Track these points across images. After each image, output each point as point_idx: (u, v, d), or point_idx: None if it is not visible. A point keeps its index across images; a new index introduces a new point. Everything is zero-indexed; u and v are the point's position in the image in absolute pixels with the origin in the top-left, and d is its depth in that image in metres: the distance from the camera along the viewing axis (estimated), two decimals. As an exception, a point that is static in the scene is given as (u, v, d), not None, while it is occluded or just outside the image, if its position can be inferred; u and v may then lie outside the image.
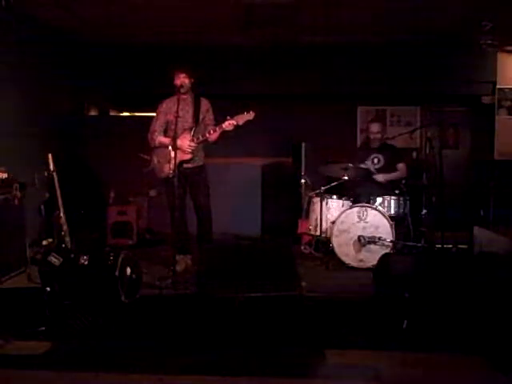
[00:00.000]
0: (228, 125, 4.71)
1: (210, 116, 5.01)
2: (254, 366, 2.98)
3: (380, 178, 5.80)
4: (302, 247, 6.06)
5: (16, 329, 3.40)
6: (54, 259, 3.92)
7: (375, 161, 5.92)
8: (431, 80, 7.33)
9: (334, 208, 5.65)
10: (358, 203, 5.52)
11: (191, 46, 7.22)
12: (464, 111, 7.85)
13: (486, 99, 7.51)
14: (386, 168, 5.91)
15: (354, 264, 5.34)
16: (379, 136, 5.94)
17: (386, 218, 5.35)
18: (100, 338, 3.39)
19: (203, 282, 4.50)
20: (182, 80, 4.82)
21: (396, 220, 5.46)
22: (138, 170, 5.27)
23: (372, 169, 5.90)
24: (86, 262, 3.91)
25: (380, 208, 5.48)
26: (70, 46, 7.13)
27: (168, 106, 4.97)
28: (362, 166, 5.84)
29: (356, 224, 5.39)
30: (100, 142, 7.13)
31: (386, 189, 5.73)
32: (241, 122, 4.70)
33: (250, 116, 4.70)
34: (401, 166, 5.97)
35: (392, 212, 5.58)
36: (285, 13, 5.89)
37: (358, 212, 5.42)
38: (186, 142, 4.83)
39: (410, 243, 5.54)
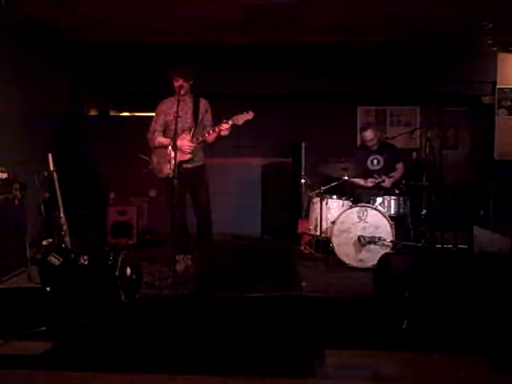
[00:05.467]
0: (224, 129, 4.71)
1: (209, 117, 5.01)
2: (254, 366, 2.98)
3: (388, 184, 5.79)
4: (302, 247, 6.06)
5: (16, 329, 3.40)
6: (54, 259, 3.92)
7: (374, 162, 5.92)
8: (431, 80, 7.33)
9: (334, 208, 5.66)
10: (359, 203, 5.53)
11: (191, 46, 7.22)
12: (464, 111, 7.85)
13: (486, 99, 7.51)
14: (386, 169, 5.91)
15: (354, 264, 5.34)
16: (375, 140, 5.93)
17: (386, 218, 5.35)
18: (100, 338, 3.39)
19: (203, 282, 4.51)
20: (180, 83, 4.82)
21: (396, 220, 5.46)
22: (137, 170, 5.26)
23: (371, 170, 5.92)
24: (86, 262, 3.90)
25: (380, 208, 5.48)
26: (70, 45, 7.13)
27: (167, 106, 4.97)
28: (359, 165, 5.84)
29: (356, 224, 5.39)
30: (100, 142, 7.13)
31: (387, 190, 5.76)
32: (240, 122, 4.70)
33: (249, 116, 4.69)
34: (399, 165, 5.98)
35: (392, 212, 5.58)
36: (285, 13, 5.89)
37: (358, 212, 5.42)
38: (185, 142, 4.82)
39: (410, 243, 5.54)
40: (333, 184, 5.82)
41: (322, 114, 7.56)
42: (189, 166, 4.92)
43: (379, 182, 5.77)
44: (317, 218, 5.61)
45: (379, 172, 5.88)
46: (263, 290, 4.25)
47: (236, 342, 3.32)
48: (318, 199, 5.62)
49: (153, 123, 5.04)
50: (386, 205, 5.60)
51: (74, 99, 7.51)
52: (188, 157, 4.87)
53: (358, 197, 5.76)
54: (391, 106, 7.83)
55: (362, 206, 5.46)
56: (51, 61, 6.74)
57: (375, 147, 5.95)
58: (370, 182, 5.83)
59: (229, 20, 6.20)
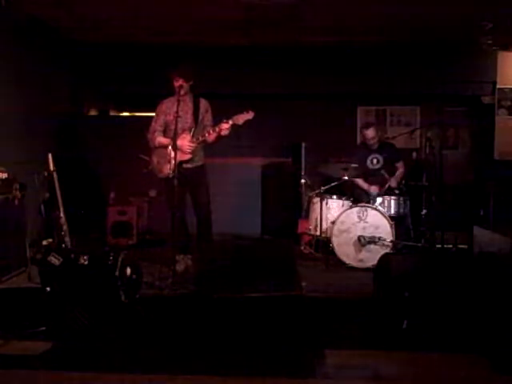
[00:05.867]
0: (224, 129, 4.71)
1: (209, 117, 5.01)
2: (254, 366, 2.98)
3: (394, 184, 5.78)
4: (302, 247, 6.06)
5: (16, 329, 3.40)
6: (54, 259, 3.91)
7: (374, 161, 5.93)
8: (431, 80, 7.33)
9: (334, 208, 5.66)
10: (359, 203, 5.53)
11: (191, 46, 7.22)
12: (464, 111, 7.85)
13: (486, 99, 7.51)
14: (385, 168, 5.91)
15: (354, 264, 5.34)
16: (376, 139, 5.94)
17: (386, 218, 5.35)
18: (100, 338, 3.39)
19: (203, 282, 4.50)
20: (180, 83, 4.82)
21: (396, 220, 5.46)
22: (137, 170, 5.26)
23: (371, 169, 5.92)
24: (86, 262, 3.90)
25: (380, 208, 5.48)
26: (70, 45, 7.13)
27: (167, 106, 4.97)
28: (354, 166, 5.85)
29: (356, 224, 5.39)
30: (100, 142, 7.12)
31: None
32: (240, 122, 4.70)
33: (249, 115, 4.69)
34: (399, 164, 5.98)
35: (392, 212, 5.58)
36: (285, 13, 5.89)
37: (358, 212, 5.42)
38: (185, 142, 4.82)
39: (410, 243, 5.54)
40: (333, 184, 5.82)
41: (322, 113, 7.56)
42: (189, 165, 4.92)
43: (385, 189, 5.77)
44: (317, 218, 5.61)
45: (379, 171, 5.88)
46: (263, 290, 4.24)
47: (236, 342, 3.32)
48: (318, 199, 5.62)
49: (153, 123, 5.04)
50: (386, 205, 5.61)
51: (74, 99, 7.51)
52: (188, 157, 4.87)
53: (358, 197, 5.76)
54: (391, 105, 7.83)
55: (361, 206, 5.47)
56: (51, 61, 6.74)
57: (376, 146, 5.95)
58: (373, 190, 5.80)
59: (229, 20, 6.20)
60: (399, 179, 5.89)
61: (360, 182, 5.86)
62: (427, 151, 5.81)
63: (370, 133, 5.89)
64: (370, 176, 5.89)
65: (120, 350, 3.22)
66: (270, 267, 5.02)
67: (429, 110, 7.72)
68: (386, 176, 5.82)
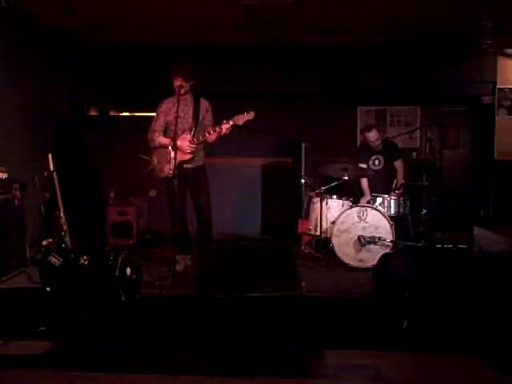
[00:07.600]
0: (225, 129, 4.71)
1: (210, 117, 5.01)
2: (254, 366, 2.98)
3: (395, 195, 5.74)
4: (302, 247, 6.06)
5: (16, 329, 3.40)
6: (54, 259, 3.92)
7: (376, 162, 5.92)
8: (431, 80, 7.33)
9: (334, 208, 5.66)
10: (359, 203, 5.53)
11: (191, 46, 7.23)
12: (464, 111, 7.85)
13: (486, 99, 7.51)
14: (386, 167, 5.91)
15: (354, 264, 5.34)
16: (380, 140, 5.90)
17: (386, 218, 5.35)
18: (100, 338, 3.39)
19: (203, 282, 4.50)
20: (180, 83, 4.82)
21: (396, 220, 5.46)
22: (137, 170, 5.26)
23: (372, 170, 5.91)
24: (86, 262, 3.90)
25: (380, 208, 5.48)
26: (71, 46, 7.13)
27: (168, 106, 4.97)
28: (362, 165, 5.85)
29: (356, 224, 5.39)
30: (100, 142, 7.12)
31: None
32: (241, 122, 4.69)
33: (250, 116, 4.69)
34: (398, 163, 5.95)
35: (392, 212, 5.58)
36: (285, 13, 5.89)
37: (358, 212, 5.42)
38: (185, 142, 4.82)
39: (410, 243, 5.54)
40: (333, 184, 5.82)
41: (322, 113, 7.56)
42: (189, 166, 4.92)
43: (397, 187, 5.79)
44: (317, 218, 5.61)
45: (379, 172, 5.88)
46: (263, 290, 4.24)
47: (236, 342, 3.33)
48: (318, 199, 5.62)
49: (153, 123, 5.03)
50: (385, 205, 5.61)
51: (74, 99, 7.51)
52: (188, 157, 4.87)
53: (358, 197, 5.76)
54: (391, 105, 7.82)
55: (361, 206, 5.47)
56: (51, 61, 6.74)
57: (380, 147, 5.91)
58: (368, 197, 5.78)
59: (229, 20, 6.21)
60: (402, 183, 5.86)
61: (364, 182, 5.83)
62: (427, 151, 5.81)
63: (373, 135, 5.84)
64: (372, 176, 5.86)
65: (120, 350, 3.22)
66: (269, 267, 5.02)
67: (429, 110, 7.71)
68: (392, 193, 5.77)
